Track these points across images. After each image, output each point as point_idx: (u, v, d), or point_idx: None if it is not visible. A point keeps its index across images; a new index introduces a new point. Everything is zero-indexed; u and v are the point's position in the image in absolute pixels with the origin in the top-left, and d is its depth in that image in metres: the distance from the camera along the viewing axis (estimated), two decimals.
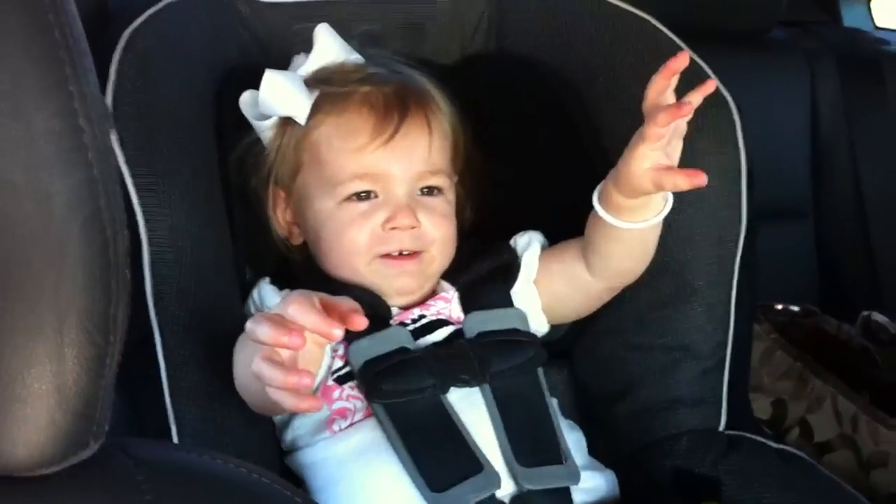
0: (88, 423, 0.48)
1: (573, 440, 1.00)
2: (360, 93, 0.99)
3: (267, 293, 0.99)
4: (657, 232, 0.98)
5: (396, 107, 0.99)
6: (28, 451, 0.47)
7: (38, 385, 0.46)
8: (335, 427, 0.94)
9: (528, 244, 1.05)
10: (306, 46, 1.05)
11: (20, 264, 0.45)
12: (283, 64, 1.06)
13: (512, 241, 1.06)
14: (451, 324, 1.00)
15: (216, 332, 0.93)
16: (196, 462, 0.56)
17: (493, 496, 0.91)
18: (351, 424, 0.94)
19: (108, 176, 0.47)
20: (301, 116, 0.99)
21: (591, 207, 0.96)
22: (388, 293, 0.99)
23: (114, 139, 0.87)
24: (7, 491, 0.48)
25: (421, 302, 1.01)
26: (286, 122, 1.01)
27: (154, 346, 0.89)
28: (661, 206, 0.93)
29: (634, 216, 0.93)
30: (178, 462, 0.55)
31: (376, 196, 0.98)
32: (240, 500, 0.55)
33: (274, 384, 0.76)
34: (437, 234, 1.00)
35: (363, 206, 0.97)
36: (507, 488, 0.92)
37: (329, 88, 1.00)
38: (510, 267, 1.04)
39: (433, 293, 1.03)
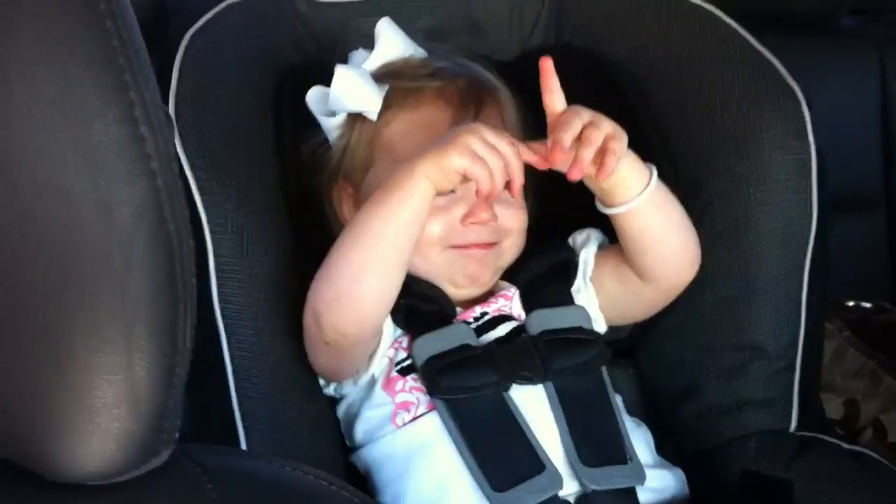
0: (158, 431, 0.48)
1: (640, 438, 0.98)
2: (433, 87, 0.99)
3: None
4: (662, 217, 0.95)
5: (472, 100, 0.98)
6: (99, 460, 0.47)
7: (108, 396, 0.46)
8: (398, 421, 0.94)
9: (586, 241, 1.04)
10: (364, 43, 1.05)
11: (83, 276, 0.45)
12: (341, 61, 1.04)
13: (571, 239, 1.05)
14: (514, 320, 0.99)
15: (281, 334, 0.94)
16: (264, 469, 0.55)
17: (555, 496, 0.90)
18: (414, 418, 0.93)
19: (171, 185, 0.47)
20: (373, 112, 0.99)
21: None
22: (457, 281, 0.98)
23: (177, 144, 0.87)
24: (79, 500, 0.48)
25: (483, 300, 1.01)
26: (355, 118, 1.00)
27: (221, 350, 0.89)
28: (639, 184, 0.92)
29: (615, 198, 0.92)
30: (246, 469, 0.55)
31: (453, 190, 0.96)
32: None
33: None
34: (513, 225, 0.99)
35: (441, 200, 0.95)
36: (570, 489, 0.91)
37: (399, 83, 1.00)
38: (568, 265, 1.02)
39: (493, 292, 1.02)
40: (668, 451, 1.02)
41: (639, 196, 0.92)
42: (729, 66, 1.07)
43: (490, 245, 0.98)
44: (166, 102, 0.90)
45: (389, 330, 0.96)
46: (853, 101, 1.73)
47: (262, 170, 0.99)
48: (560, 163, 0.88)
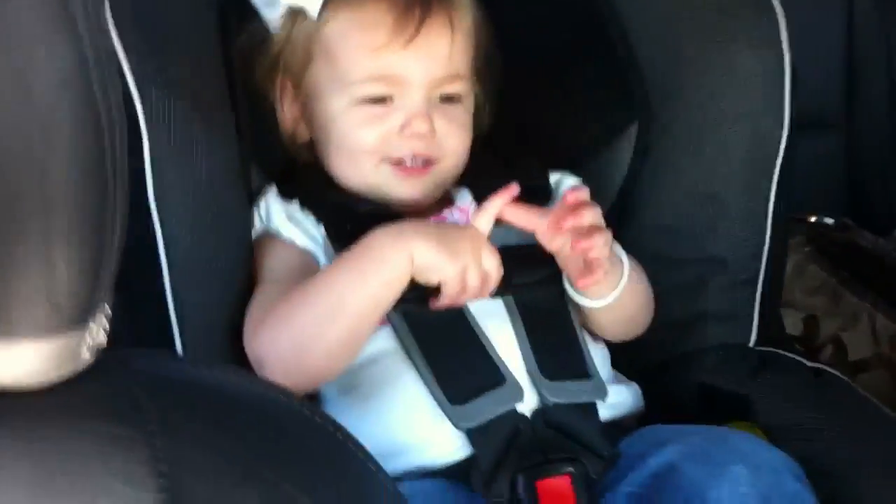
0: (80, 331, 0.43)
1: (598, 352, 0.96)
2: None
3: (273, 209, 0.95)
4: (630, 306, 0.94)
5: (417, 3, 0.92)
6: (16, 363, 0.41)
7: (24, 291, 0.40)
8: None
9: (560, 182, 1.01)
10: None
11: None
12: None
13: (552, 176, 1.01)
14: None
15: (224, 237, 0.89)
16: (205, 377, 0.51)
17: (514, 410, 0.87)
18: None
19: (101, 52, 0.40)
20: (313, 9, 0.93)
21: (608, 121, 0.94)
22: (391, 199, 0.94)
23: (109, 20, 0.79)
24: None
25: (437, 212, 0.97)
26: (297, 13, 0.95)
27: (157, 253, 0.83)
28: (611, 284, 0.90)
29: (587, 293, 0.91)
30: (180, 374, 0.50)
31: (391, 100, 0.92)
32: (254, 417, 0.50)
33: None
34: (452, 143, 0.95)
35: (377, 108, 0.93)
36: (530, 402, 0.88)
37: None
38: (539, 192, 0.98)
39: (450, 202, 0.99)
40: (622, 364, 1.00)
41: (612, 293, 0.90)
42: None
43: (426, 167, 0.94)
44: None
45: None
46: (817, 20, 1.70)
47: (205, 56, 0.92)
48: (551, 238, 0.87)
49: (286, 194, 0.96)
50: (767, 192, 1.02)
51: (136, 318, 0.82)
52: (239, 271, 0.92)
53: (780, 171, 1.02)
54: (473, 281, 0.85)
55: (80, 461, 0.42)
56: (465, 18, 0.97)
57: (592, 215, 0.87)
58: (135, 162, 0.81)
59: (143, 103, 0.82)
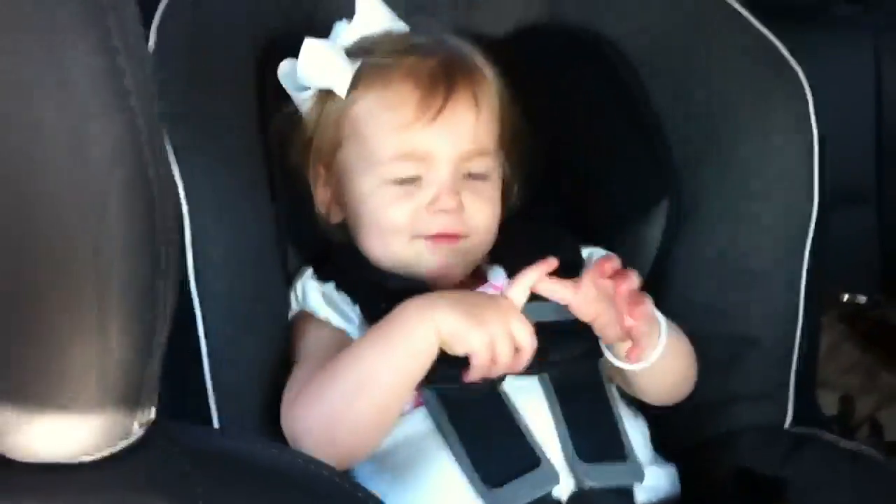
0: (133, 405, 0.42)
1: (637, 429, 0.95)
2: (405, 65, 0.94)
3: (309, 290, 0.95)
4: (670, 369, 0.93)
5: (442, 81, 0.94)
6: (68, 436, 0.41)
7: (79, 364, 0.39)
8: None
9: (591, 256, 1.01)
10: (351, 13, 1.00)
11: (51, 220, 0.38)
12: (327, 32, 1.00)
13: (585, 252, 1.01)
14: None
15: (261, 315, 0.89)
16: (246, 450, 0.50)
17: (549, 494, 0.85)
18: (402, 415, 0.88)
19: (152, 126, 0.41)
20: (341, 88, 0.94)
21: (639, 196, 0.94)
22: (424, 273, 0.94)
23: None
24: (47, 478, 0.42)
25: (471, 289, 0.96)
26: (327, 93, 0.96)
27: (195, 320, 0.83)
28: (651, 345, 0.89)
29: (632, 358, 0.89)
30: (227, 450, 0.49)
31: (420, 179, 0.93)
32: (293, 489, 0.50)
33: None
34: (480, 219, 0.95)
35: (407, 187, 0.93)
36: (566, 486, 0.87)
37: (371, 59, 0.96)
38: (571, 267, 0.97)
39: (483, 280, 0.98)
40: (658, 444, 0.98)
41: (653, 354, 0.89)
42: (732, 49, 1.06)
43: (456, 237, 0.94)
44: None
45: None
46: (847, 92, 1.71)
47: (243, 138, 0.93)
48: (586, 307, 0.86)
49: (322, 276, 0.96)
50: (800, 269, 1.01)
51: (175, 397, 0.81)
52: (274, 351, 0.92)
53: (812, 246, 1.01)
54: (504, 351, 0.83)
55: None
56: (491, 96, 0.98)
57: (632, 281, 0.86)
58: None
59: (183, 179, 0.83)
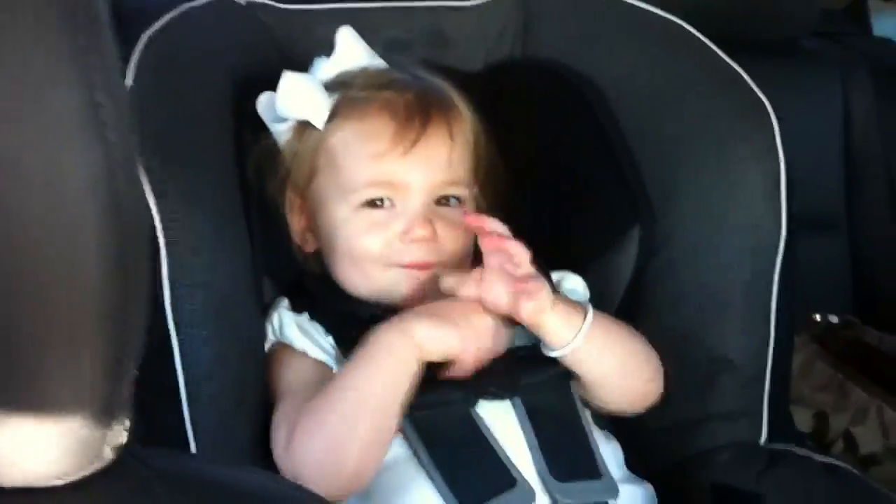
0: (104, 429, 0.44)
1: (610, 452, 0.96)
2: (381, 98, 0.97)
3: (286, 321, 0.97)
4: (604, 357, 0.95)
5: (418, 114, 0.96)
6: (39, 460, 0.43)
7: (52, 389, 0.42)
8: None
9: (572, 292, 1.02)
10: (329, 51, 1.03)
11: (24, 250, 0.40)
12: (304, 69, 1.03)
13: (555, 276, 1.03)
14: None
15: (238, 347, 0.90)
16: (219, 474, 0.52)
17: None
18: None
19: (128, 159, 0.43)
20: (319, 120, 0.97)
21: (611, 224, 0.98)
22: (399, 300, 0.96)
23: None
24: (18, 502, 0.44)
25: None
26: (304, 126, 0.99)
27: (171, 354, 0.85)
28: (569, 332, 0.92)
29: (549, 344, 0.92)
30: (199, 474, 0.51)
31: (392, 205, 0.95)
32: None
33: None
34: (454, 246, 0.97)
35: (379, 214, 0.95)
36: None
37: (349, 93, 0.98)
38: None
39: None
40: (635, 465, 1.00)
41: (571, 342, 0.91)
42: (700, 81, 1.07)
43: (429, 266, 0.96)
44: None
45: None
46: (816, 123, 1.74)
47: (220, 171, 0.95)
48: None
49: (297, 307, 0.98)
50: (770, 294, 1.03)
51: (151, 431, 0.83)
52: (251, 384, 0.93)
53: (781, 271, 1.03)
54: (474, 345, 0.89)
55: None
56: (465, 129, 1.00)
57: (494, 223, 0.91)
58: (152, 276, 0.83)
59: (160, 212, 0.84)
